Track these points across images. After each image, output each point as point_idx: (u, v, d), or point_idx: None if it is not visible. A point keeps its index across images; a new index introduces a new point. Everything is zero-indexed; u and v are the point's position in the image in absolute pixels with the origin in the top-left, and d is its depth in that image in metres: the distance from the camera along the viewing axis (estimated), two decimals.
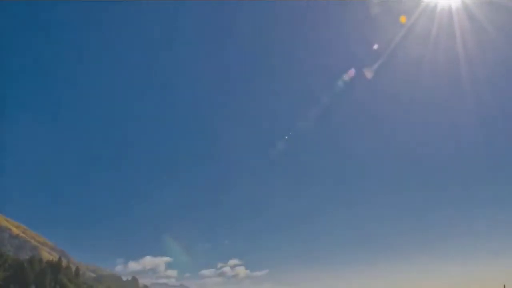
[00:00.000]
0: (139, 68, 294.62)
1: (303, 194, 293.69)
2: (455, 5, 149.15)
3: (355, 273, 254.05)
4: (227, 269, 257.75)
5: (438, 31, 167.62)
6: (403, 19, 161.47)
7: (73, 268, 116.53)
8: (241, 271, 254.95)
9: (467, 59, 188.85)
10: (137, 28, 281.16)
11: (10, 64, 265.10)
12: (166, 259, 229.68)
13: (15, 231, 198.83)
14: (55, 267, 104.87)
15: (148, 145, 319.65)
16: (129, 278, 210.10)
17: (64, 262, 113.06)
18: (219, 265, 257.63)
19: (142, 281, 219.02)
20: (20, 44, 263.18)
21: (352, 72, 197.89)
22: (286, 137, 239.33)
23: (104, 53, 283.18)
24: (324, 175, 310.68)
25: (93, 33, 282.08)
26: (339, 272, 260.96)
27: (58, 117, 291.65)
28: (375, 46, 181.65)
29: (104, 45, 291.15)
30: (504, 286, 60.21)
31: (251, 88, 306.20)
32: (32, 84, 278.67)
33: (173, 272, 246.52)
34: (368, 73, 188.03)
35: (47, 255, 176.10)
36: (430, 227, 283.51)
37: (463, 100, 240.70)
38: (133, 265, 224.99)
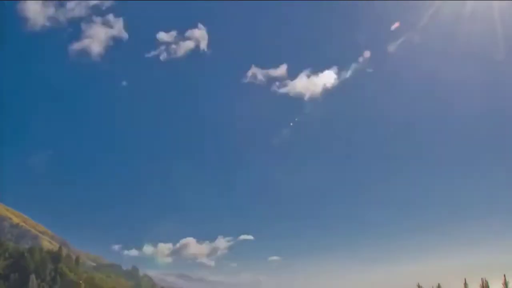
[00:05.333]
0: (145, 66, 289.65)
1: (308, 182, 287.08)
2: None
3: (354, 271, 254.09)
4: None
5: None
6: None
7: (74, 257, 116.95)
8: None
9: (506, 42, 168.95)
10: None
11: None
12: (167, 248, 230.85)
13: (16, 220, 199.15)
14: (55, 256, 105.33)
15: (149, 136, 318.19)
16: (130, 267, 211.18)
17: (64, 251, 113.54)
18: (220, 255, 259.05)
19: (142, 270, 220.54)
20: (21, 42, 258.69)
21: (367, 53, 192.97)
22: (291, 124, 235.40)
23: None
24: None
25: None
26: (339, 267, 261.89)
27: (59, 107, 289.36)
28: (396, 25, 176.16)
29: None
30: (505, 275, 60.36)
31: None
32: (31, 78, 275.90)
33: (173, 261, 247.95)
34: (391, 47, 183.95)
35: (48, 244, 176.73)
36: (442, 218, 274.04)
37: (497, 91, 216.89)
38: (134, 254, 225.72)
